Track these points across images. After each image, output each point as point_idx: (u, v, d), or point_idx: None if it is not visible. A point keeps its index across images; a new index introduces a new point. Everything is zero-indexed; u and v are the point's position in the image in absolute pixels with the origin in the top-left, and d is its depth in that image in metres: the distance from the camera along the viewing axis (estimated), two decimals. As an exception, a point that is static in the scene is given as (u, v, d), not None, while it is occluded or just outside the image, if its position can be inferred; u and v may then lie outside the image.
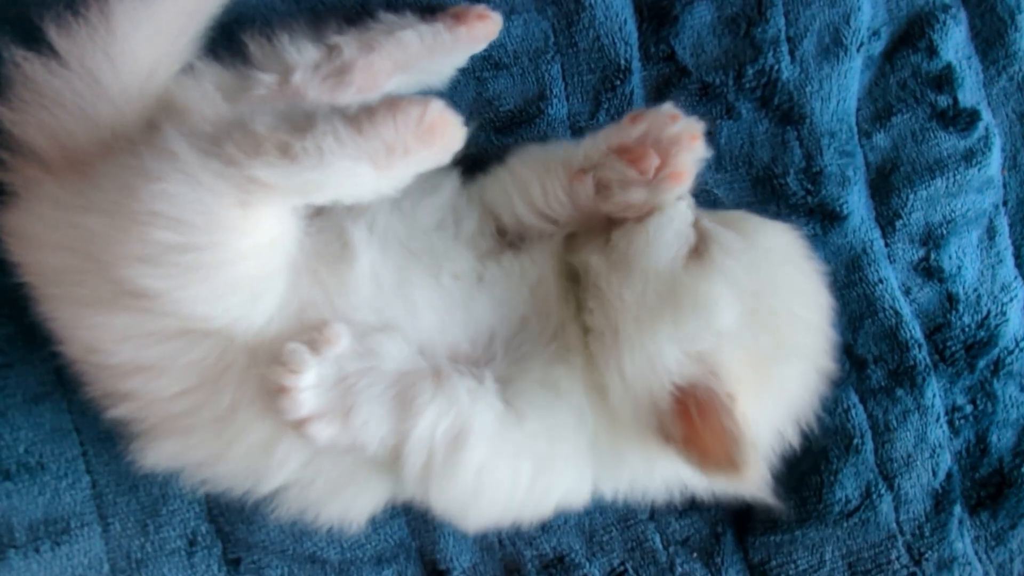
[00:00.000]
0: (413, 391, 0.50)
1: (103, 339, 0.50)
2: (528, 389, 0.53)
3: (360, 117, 0.45)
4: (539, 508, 0.55)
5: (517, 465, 0.52)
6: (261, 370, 0.49)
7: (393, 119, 0.45)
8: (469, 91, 0.70)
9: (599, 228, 0.57)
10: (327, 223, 0.53)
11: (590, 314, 0.54)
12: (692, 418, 0.50)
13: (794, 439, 0.56)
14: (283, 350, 0.48)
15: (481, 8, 0.64)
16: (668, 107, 0.55)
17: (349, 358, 0.49)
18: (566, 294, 0.57)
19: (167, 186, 0.45)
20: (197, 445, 0.52)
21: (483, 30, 0.64)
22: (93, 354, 0.51)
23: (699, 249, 0.53)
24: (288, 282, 0.51)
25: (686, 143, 0.53)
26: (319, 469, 0.53)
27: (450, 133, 0.47)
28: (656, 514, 0.75)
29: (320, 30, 0.61)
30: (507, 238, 0.59)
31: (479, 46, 0.66)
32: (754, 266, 0.53)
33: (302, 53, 0.59)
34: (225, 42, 0.61)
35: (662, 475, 0.57)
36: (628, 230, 0.54)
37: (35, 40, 0.54)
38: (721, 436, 0.49)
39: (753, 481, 0.49)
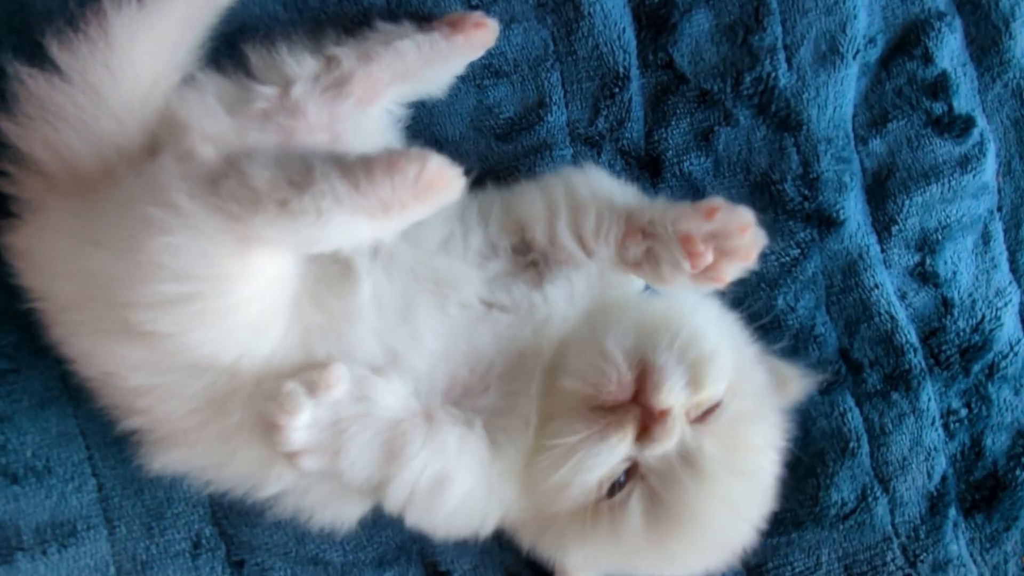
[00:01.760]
0: (403, 439, 0.51)
1: (116, 366, 0.51)
2: (511, 426, 0.55)
3: (358, 174, 0.45)
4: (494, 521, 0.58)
5: (489, 499, 0.55)
6: (258, 405, 0.50)
7: (391, 178, 0.45)
8: (469, 98, 0.70)
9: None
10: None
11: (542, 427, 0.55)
12: None
13: None
14: (280, 390, 0.49)
15: (478, 16, 0.65)
16: (747, 213, 0.54)
17: (345, 402, 0.50)
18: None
19: (170, 239, 0.46)
20: (203, 454, 0.54)
21: (480, 38, 0.65)
22: (107, 376, 0.53)
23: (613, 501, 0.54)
24: (291, 313, 0.51)
25: (743, 256, 0.53)
26: (311, 483, 0.56)
27: (448, 187, 0.47)
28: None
29: (320, 40, 0.62)
30: (528, 256, 0.58)
31: (476, 53, 0.66)
32: (637, 556, 0.57)
33: (301, 65, 0.59)
34: (227, 52, 0.61)
35: None
36: (558, 449, 0.54)
37: (38, 55, 0.54)
38: None
39: None
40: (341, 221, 0.45)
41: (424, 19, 0.65)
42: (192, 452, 0.53)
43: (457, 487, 0.53)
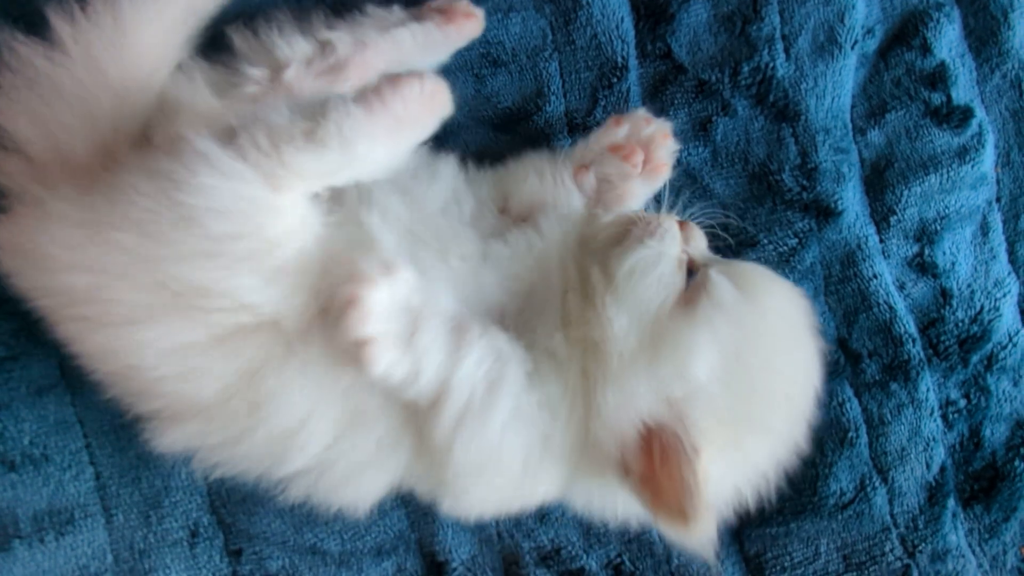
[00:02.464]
0: (466, 327, 0.51)
1: (144, 355, 0.50)
2: (537, 358, 0.54)
3: (369, 97, 0.49)
4: (526, 498, 0.56)
5: (528, 436, 0.52)
6: (333, 290, 0.49)
7: (400, 95, 0.50)
8: (468, 88, 0.70)
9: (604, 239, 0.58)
10: (344, 216, 0.54)
11: (587, 324, 0.54)
12: (653, 459, 0.50)
13: (750, 500, 0.57)
14: (356, 266, 0.49)
15: (465, 5, 0.65)
16: (642, 111, 0.65)
17: (414, 289, 0.50)
18: (569, 267, 0.57)
19: (205, 180, 0.47)
20: (220, 429, 0.52)
21: (470, 28, 0.66)
22: (131, 369, 0.52)
23: (691, 296, 0.54)
24: (321, 269, 0.52)
25: (660, 140, 0.64)
26: (340, 451, 0.53)
27: (445, 97, 0.52)
28: (652, 507, 0.76)
29: (303, 22, 0.62)
30: (513, 215, 0.62)
31: (464, 43, 0.67)
32: (744, 327, 0.53)
33: (293, 48, 0.60)
34: (208, 36, 0.61)
35: (621, 502, 0.57)
36: (623, 255, 0.55)
37: (37, 26, 0.53)
38: (677, 484, 0.49)
39: (699, 536, 0.49)
40: (363, 142, 0.49)
41: (412, 2, 0.65)
42: (208, 427, 0.52)
43: (508, 393, 0.51)
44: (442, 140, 0.64)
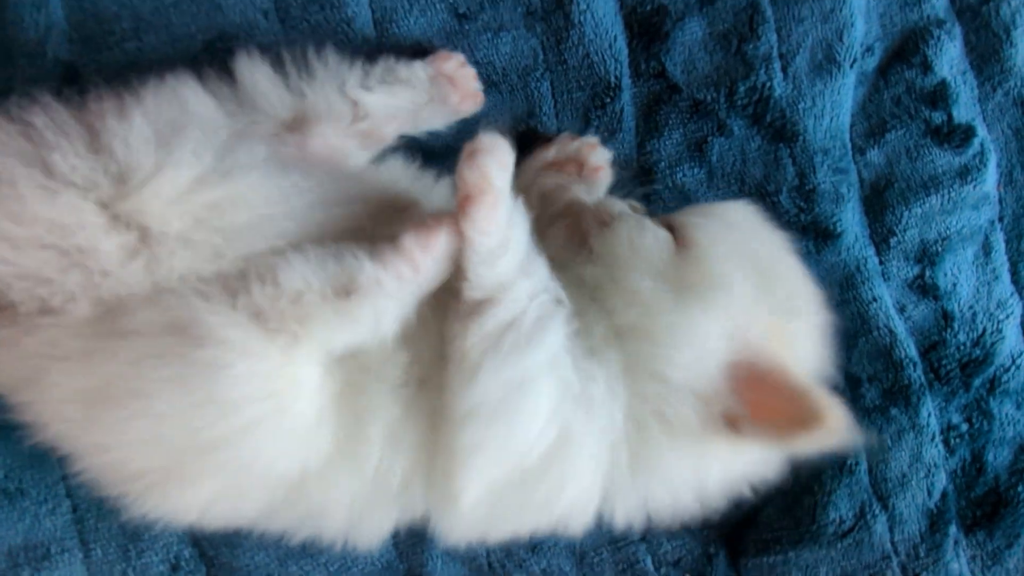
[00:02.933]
0: (536, 259, 0.51)
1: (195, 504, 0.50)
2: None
3: (399, 265, 0.48)
4: (545, 506, 0.52)
5: (558, 395, 0.49)
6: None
7: (432, 254, 0.48)
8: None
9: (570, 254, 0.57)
10: None
11: (616, 314, 0.52)
12: (752, 392, 0.49)
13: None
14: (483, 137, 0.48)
15: (473, 84, 0.66)
16: (566, 134, 0.68)
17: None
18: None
19: (228, 371, 0.45)
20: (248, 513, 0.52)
21: (469, 108, 0.66)
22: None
23: (679, 240, 0.54)
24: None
25: (588, 149, 0.66)
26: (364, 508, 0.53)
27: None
28: (648, 535, 0.75)
29: (295, 47, 0.60)
30: None
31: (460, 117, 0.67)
32: (736, 234, 0.55)
33: (328, 102, 0.58)
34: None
35: (713, 474, 0.53)
36: (604, 236, 0.56)
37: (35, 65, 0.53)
38: (789, 396, 0.47)
39: (840, 424, 0.46)
40: (392, 308, 0.48)
41: (406, 38, 0.64)
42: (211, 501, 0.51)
43: (550, 337, 0.49)
44: (432, 162, 0.64)
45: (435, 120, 0.64)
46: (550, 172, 0.65)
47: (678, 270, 0.52)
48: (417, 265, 0.48)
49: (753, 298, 0.51)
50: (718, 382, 0.49)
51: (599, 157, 0.65)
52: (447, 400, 0.49)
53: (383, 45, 0.66)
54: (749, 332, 0.50)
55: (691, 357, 0.50)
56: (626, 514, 0.54)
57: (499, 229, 0.48)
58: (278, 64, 0.58)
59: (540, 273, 0.51)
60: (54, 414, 0.48)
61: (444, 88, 0.63)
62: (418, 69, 0.63)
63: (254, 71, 0.57)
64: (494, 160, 0.47)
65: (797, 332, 0.54)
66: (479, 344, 0.48)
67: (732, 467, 0.53)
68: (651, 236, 0.54)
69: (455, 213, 0.48)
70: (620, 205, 0.58)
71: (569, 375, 0.49)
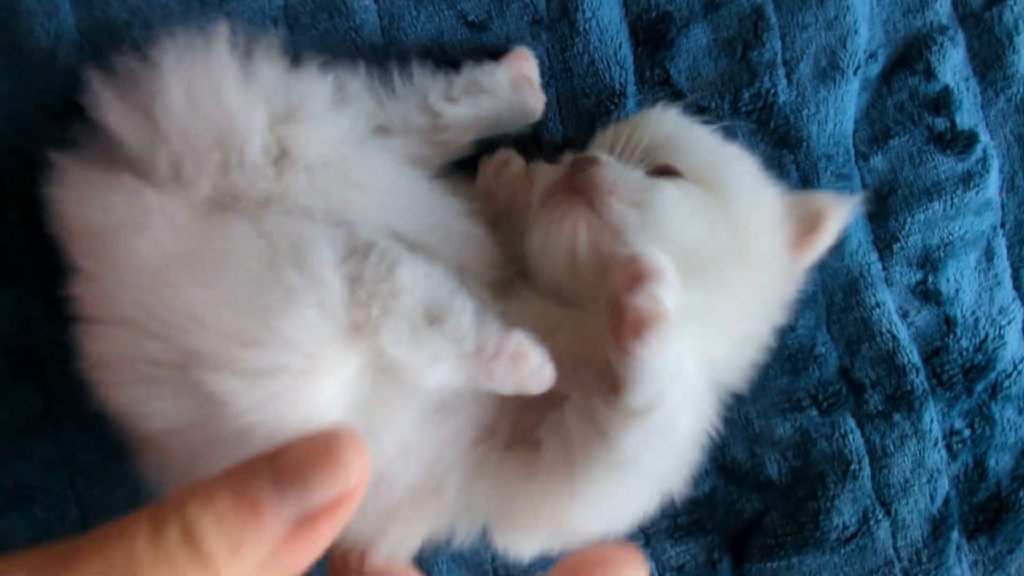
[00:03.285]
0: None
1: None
2: None
3: (484, 337, 0.47)
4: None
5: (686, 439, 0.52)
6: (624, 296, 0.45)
7: (511, 365, 0.47)
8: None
9: None
10: None
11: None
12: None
13: None
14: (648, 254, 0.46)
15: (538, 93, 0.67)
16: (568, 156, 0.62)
17: None
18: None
19: (299, 309, 0.46)
20: None
21: (542, 108, 0.67)
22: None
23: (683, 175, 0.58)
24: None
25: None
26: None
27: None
28: (651, 540, 0.75)
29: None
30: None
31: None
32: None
33: (406, 114, 0.60)
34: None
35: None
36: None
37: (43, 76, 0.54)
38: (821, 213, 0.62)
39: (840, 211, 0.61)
40: (444, 370, 0.47)
41: (414, 45, 0.64)
42: None
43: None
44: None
45: (511, 125, 0.65)
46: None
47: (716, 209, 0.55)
48: (493, 373, 0.47)
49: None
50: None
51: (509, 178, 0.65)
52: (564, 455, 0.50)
53: (391, 52, 0.66)
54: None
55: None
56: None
57: (670, 348, 0.45)
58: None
59: (688, 369, 0.49)
60: (120, 279, 0.47)
61: (524, 92, 0.64)
62: (500, 76, 0.63)
63: (354, 82, 0.59)
64: (665, 285, 0.45)
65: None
66: (635, 443, 0.48)
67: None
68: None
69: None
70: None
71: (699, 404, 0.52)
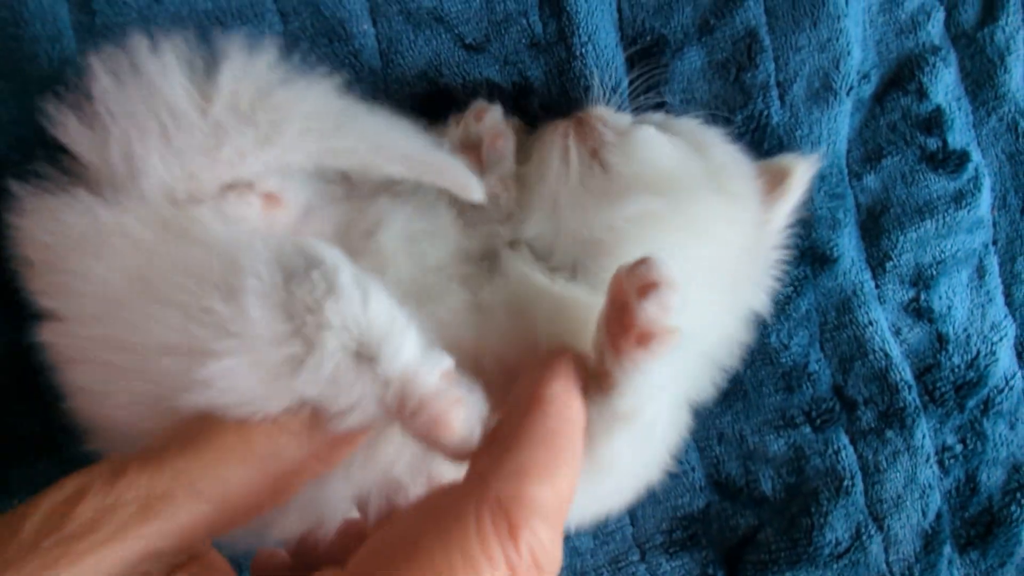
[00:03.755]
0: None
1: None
2: None
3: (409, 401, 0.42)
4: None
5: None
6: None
7: (428, 424, 0.42)
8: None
9: None
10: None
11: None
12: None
13: None
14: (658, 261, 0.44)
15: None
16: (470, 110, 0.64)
17: None
18: None
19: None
20: None
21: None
22: None
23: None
24: None
25: (476, 123, 0.63)
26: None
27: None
28: (647, 555, 0.76)
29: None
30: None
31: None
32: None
33: None
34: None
35: None
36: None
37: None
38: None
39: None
40: (360, 416, 0.42)
41: (412, 68, 0.65)
42: None
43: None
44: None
45: None
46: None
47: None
48: (406, 425, 0.42)
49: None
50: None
51: (491, 123, 0.62)
52: None
53: (389, 76, 0.67)
54: None
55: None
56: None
57: (667, 368, 0.44)
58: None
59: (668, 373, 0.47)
60: (86, 315, 0.46)
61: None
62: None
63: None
64: (677, 296, 0.42)
65: None
66: (618, 445, 0.48)
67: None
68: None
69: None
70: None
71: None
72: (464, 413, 0.41)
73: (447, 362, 0.43)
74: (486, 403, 0.43)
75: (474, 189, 0.53)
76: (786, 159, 0.65)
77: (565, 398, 0.42)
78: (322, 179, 0.56)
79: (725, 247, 0.57)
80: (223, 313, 0.41)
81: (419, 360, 0.42)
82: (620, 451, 0.48)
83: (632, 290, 0.43)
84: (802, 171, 0.63)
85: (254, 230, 0.49)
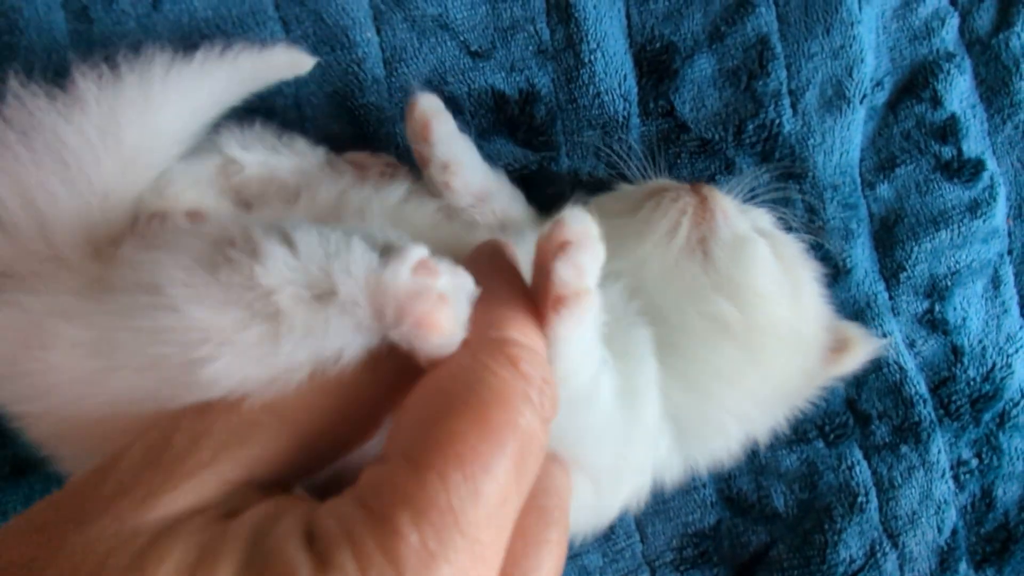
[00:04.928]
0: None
1: None
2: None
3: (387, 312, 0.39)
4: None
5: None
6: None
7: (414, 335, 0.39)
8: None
9: None
10: None
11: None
12: None
13: None
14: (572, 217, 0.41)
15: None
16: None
17: None
18: None
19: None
20: None
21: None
22: None
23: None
24: None
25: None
26: None
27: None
28: (657, 572, 0.74)
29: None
30: None
31: None
32: None
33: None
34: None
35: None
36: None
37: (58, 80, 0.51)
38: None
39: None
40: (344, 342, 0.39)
41: (416, 76, 0.64)
42: None
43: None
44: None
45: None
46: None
47: None
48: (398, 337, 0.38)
49: None
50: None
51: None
52: None
53: (393, 84, 0.66)
54: None
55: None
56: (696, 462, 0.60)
57: (587, 327, 0.42)
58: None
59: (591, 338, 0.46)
60: (63, 406, 0.43)
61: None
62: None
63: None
64: (591, 255, 0.41)
65: None
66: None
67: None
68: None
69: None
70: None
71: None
72: (448, 309, 0.37)
73: (419, 251, 0.39)
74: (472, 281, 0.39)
75: (304, 59, 0.59)
76: (855, 331, 0.63)
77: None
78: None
79: (770, 378, 0.57)
80: (177, 327, 0.39)
81: (377, 265, 0.38)
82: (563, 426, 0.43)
83: (550, 253, 0.40)
84: (865, 349, 0.62)
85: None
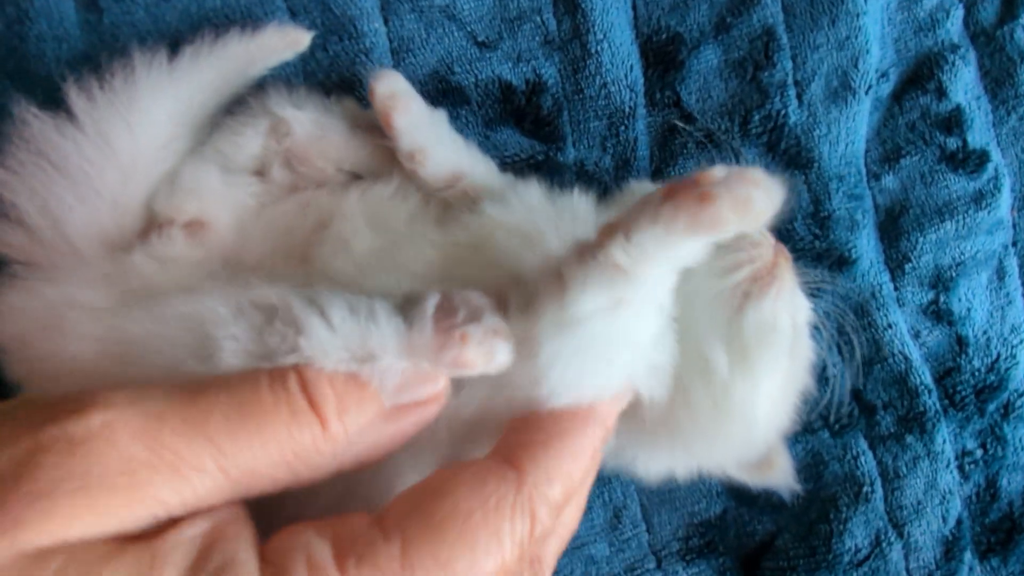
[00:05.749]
0: None
1: None
2: None
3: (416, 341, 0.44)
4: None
5: None
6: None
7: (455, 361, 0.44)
8: (476, 137, 0.69)
9: None
10: None
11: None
12: None
13: None
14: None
15: None
16: None
17: None
18: None
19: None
20: None
21: None
22: None
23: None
24: None
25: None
26: None
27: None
28: (663, 563, 0.74)
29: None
30: None
31: None
32: None
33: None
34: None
35: None
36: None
37: (51, 99, 0.52)
38: None
39: None
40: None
41: (423, 66, 0.64)
42: None
43: None
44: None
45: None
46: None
47: None
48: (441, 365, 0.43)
49: None
50: None
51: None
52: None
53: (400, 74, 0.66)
54: None
55: None
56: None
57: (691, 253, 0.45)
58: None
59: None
60: (62, 384, 0.46)
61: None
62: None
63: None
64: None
65: None
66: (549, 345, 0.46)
67: None
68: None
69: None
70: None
71: None
72: (473, 345, 0.42)
73: (433, 300, 0.44)
74: (491, 305, 0.44)
75: (300, 35, 0.58)
76: (783, 456, 0.62)
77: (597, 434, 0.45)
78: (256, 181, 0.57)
79: (716, 446, 0.56)
80: (202, 371, 0.42)
81: (404, 330, 0.43)
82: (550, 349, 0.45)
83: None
84: (782, 472, 0.62)
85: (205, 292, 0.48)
